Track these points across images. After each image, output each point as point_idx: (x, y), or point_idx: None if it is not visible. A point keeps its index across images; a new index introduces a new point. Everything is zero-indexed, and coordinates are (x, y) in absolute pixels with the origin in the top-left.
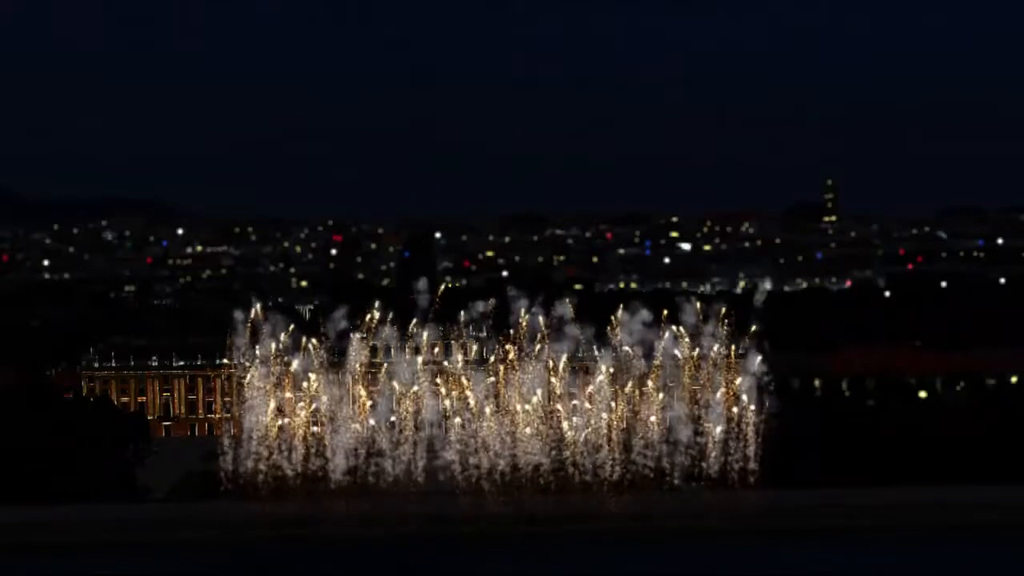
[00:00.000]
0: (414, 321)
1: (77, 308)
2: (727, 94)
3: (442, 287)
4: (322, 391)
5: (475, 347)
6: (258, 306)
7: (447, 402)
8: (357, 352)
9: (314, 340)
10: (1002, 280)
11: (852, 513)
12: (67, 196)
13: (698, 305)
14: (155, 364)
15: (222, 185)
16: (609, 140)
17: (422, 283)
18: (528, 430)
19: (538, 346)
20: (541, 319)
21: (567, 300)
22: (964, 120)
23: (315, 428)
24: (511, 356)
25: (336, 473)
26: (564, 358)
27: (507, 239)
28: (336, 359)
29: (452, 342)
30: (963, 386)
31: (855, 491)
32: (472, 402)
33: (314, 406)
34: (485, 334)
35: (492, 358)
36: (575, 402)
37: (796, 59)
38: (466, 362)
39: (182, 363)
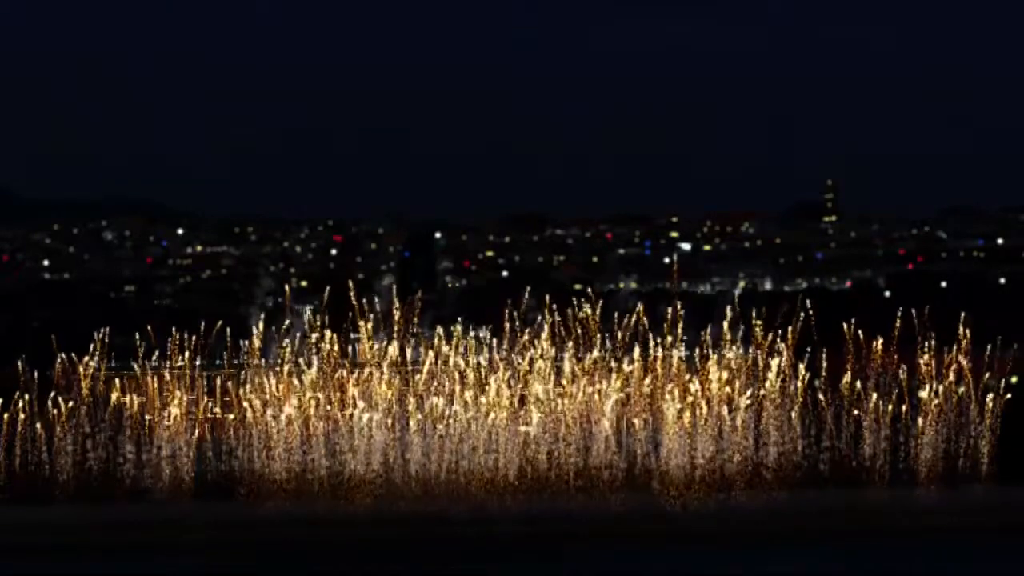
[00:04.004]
0: (416, 320)
1: (77, 308)
2: (727, 94)
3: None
4: (324, 391)
5: (475, 346)
6: (259, 305)
7: (449, 401)
8: (359, 352)
9: (315, 339)
10: (1002, 280)
11: (856, 515)
12: (67, 196)
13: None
14: (155, 364)
15: (222, 185)
16: (609, 140)
17: (422, 283)
18: (538, 429)
19: (546, 345)
20: (547, 318)
21: (580, 301)
22: (964, 120)
23: (317, 428)
24: (525, 356)
25: (337, 474)
26: (568, 356)
27: (507, 239)
28: (337, 359)
29: (453, 341)
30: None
31: (855, 492)
32: (474, 401)
33: (315, 406)
34: (486, 334)
35: (495, 357)
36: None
37: (795, 59)
38: (468, 362)
39: (182, 363)
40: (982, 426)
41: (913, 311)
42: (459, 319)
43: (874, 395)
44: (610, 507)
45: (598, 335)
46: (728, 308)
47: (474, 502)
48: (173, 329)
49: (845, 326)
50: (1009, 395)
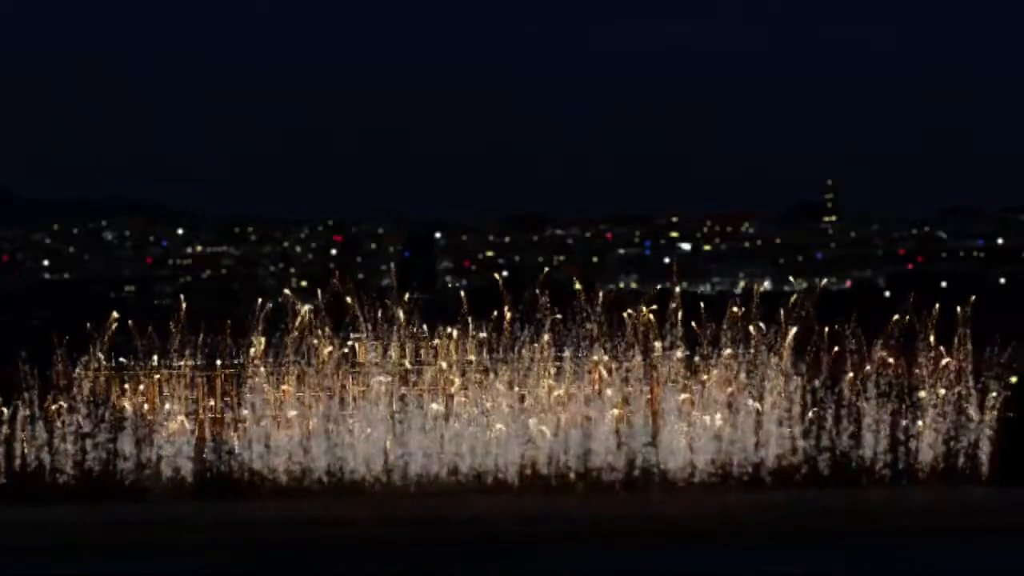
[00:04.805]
0: (415, 320)
1: (77, 308)
2: (727, 94)
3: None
4: (324, 390)
5: (475, 346)
6: (259, 305)
7: (448, 401)
8: (359, 351)
9: (315, 339)
10: (1002, 280)
11: (856, 515)
12: (67, 196)
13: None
14: (155, 364)
15: (222, 185)
16: (609, 140)
17: (422, 283)
18: (539, 428)
19: (547, 344)
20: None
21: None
22: (964, 120)
23: (317, 428)
24: (526, 355)
25: (338, 474)
26: (568, 355)
27: (507, 239)
28: (338, 359)
29: (452, 341)
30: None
31: (854, 492)
32: (475, 401)
33: (316, 406)
34: (486, 334)
35: (494, 357)
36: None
37: (795, 59)
38: (468, 361)
39: (182, 363)
40: (982, 426)
41: (913, 311)
42: (459, 319)
43: (874, 395)
44: (610, 507)
45: (599, 335)
46: (728, 308)
47: (474, 502)
48: (172, 323)
49: (845, 326)
50: (1009, 395)
